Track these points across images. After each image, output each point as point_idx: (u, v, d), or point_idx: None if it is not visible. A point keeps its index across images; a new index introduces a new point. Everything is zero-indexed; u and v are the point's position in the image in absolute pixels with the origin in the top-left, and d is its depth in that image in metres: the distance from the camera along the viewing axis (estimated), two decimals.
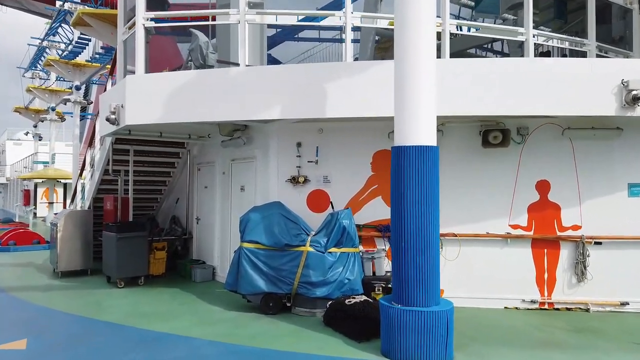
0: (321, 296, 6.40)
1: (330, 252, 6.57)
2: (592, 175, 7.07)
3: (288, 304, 6.69)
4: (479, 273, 7.15)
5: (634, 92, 6.14)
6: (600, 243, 6.99)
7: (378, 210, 7.28)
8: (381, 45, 11.11)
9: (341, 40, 7.28)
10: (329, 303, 6.21)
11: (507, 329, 6.07)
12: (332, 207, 7.36)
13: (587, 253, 6.96)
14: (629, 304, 6.87)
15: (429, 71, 5.03)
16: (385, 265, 7.02)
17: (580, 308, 6.99)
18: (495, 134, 6.92)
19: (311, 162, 7.53)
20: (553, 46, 8.91)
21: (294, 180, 7.54)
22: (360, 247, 6.98)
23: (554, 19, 9.47)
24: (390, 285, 6.20)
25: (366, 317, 5.63)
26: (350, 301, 6.01)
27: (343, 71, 6.64)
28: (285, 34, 12.91)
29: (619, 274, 6.96)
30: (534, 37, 7.29)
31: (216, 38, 9.10)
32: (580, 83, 6.33)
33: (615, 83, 6.29)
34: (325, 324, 6.10)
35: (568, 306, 7.02)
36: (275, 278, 6.61)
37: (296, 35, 13.14)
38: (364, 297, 6.17)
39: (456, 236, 7.13)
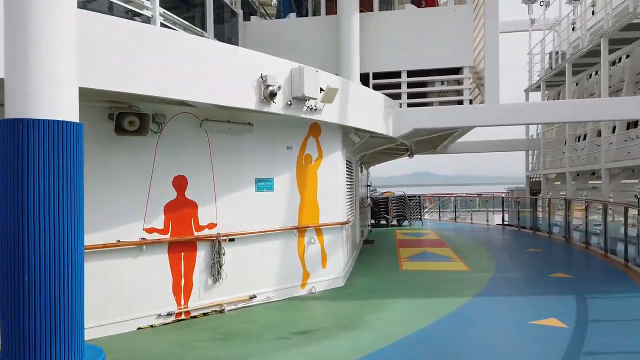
0: None
1: None
2: (227, 170, 6.84)
3: None
4: (109, 292, 5.68)
5: (270, 88, 6.21)
6: (233, 240, 6.84)
7: None
8: None
9: None
10: None
11: (150, 358, 4.95)
12: None
13: (223, 252, 6.67)
14: (256, 297, 7.02)
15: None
16: None
17: (215, 310, 6.62)
18: (132, 118, 5.61)
19: None
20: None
21: None
22: None
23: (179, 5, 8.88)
24: None
25: None
26: None
27: None
28: None
29: (249, 269, 7.03)
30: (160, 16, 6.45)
31: None
32: (223, 70, 5.89)
33: (255, 76, 6.20)
34: None
35: (205, 311, 6.53)
36: None
37: None
38: None
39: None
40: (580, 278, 8.66)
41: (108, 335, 5.54)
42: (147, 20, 6.56)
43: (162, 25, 6.75)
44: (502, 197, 20.25)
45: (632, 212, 9.57)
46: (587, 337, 5.28)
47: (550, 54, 17.92)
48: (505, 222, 19.59)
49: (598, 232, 12.55)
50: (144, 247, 5.98)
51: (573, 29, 18.75)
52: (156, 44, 5.21)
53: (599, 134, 14.85)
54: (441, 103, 10.64)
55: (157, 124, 6.09)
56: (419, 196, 22.08)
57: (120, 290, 5.78)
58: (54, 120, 3.22)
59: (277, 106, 6.49)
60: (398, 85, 10.64)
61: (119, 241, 5.76)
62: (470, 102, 10.48)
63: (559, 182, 18.36)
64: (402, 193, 21.64)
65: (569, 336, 5.30)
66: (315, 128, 7.96)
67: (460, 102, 10.50)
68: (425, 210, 24.88)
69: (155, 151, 6.12)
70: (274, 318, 6.35)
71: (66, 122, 3.28)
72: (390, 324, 5.94)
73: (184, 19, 7.84)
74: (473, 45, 10.54)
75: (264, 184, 7.28)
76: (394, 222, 20.44)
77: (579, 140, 16.27)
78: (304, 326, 5.92)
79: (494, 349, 5.07)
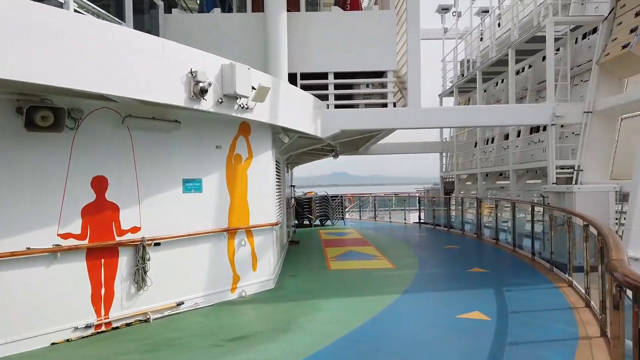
0: None
1: None
2: (151, 170, 6.43)
3: None
4: (18, 305, 5.11)
5: (201, 84, 5.93)
6: (159, 244, 6.45)
7: None
8: None
9: None
10: None
11: None
12: None
13: (148, 257, 6.26)
14: (183, 303, 6.68)
15: None
16: None
17: (140, 320, 6.20)
18: (45, 113, 5.08)
19: None
20: None
21: None
22: None
23: None
24: None
25: None
26: None
27: None
28: None
29: (176, 274, 6.67)
30: None
31: None
32: (149, 63, 5.53)
33: (184, 72, 5.89)
34: None
35: (128, 321, 6.09)
36: None
37: None
38: None
39: None
40: (495, 272, 9.25)
41: (18, 353, 4.98)
42: (60, 6, 5.99)
43: (75, 12, 6.20)
44: (418, 197, 21.18)
45: (538, 209, 10.40)
46: (509, 328, 5.63)
47: (462, 61, 19.04)
48: (421, 221, 20.51)
49: (506, 228, 13.54)
50: (59, 254, 5.43)
51: (481, 39, 20.13)
52: (71, 30, 4.74)
53: (506, 137, 16.04)
54: (367, 105, 10.87)
55: (74, 119, 5.58)
56: (341, 196, 22.44)
57: (30, 303, 5.22)
58: None
59: (207, 104, 6.22)
60: (325, 87, 10.71)
61: (29, 248, 5.19)
62: (394, 105, 10.81)
63: (470, 182, 19.57)
64: (325, 193, 21.87)
65: (493, 328, 5.61)
66: (245, 127, 7.75)
67: (384, 105, 10.79)
68: (346, 209, 25.38)
69: (72, 149, 5.60)
70: (204, 325, 6.07)
71: None
72: (325, 325, 5.92)
73: (99, 7, 7.27)
74: (396, 50, 10.88)
75: (191, 185, 6.95)
76: (317, 222, 20.61)
77: (487, 143, 17.42)
78: (238, 332, 5.73)
79: (428, 343, 5.23)
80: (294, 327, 5.80)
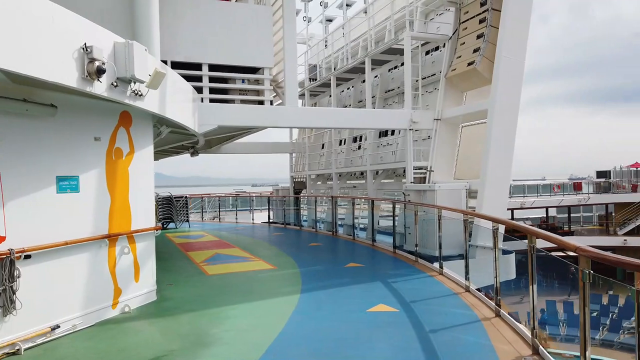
0: None
1: None
2: (19, 165, 5.16)
3: None
4: None
5: (97, 63, 4.96)
6: (29, 257, 5.20)
7: None
8: None
9: None
10: None
11: None
12: None
13: (17, 273, 5.00)
14: (59, 327, 5.51)
15: None
16: None
17: (8, 353, 4.92)
18: None
19: None
20: None
21: None
22: None
23: None
24: None
25: None
26: None
27: None
28: None
29: (50, 293, 5.47)
30: None
31: None
32: (37, 31, 4.41)
33: (76, 46, 4.85)
34: None
35: None
36: None
37: None
38: None
39: None
40: (370, 266, 9.81)
41: None
42: None
43: None
44: (268, 197, 21.31)
45: (399, 206, 11.37)
46: (419, 317, 5.99)
47: (314, 66, 19.77)
48: (271, 220, 20.65)
49: (363, 226, 14.49)
50: None
51: (325, 46, 21.23)
52: None
53: (355, 140, 17.19)
54: (242, 102, 10.49)
55: None
56: (186, 197, 21.26)
57: None
58: None
59: (101, 86, 5.24)
60: (198, 79, 10.00)
61: None
62: (271, 103, 10.66)
63: (320, 182, 20.42)
64: (169, 194, 20.45)
65: (406, 318, 5.92)
66: (126, 117, 6.76)
67: (260, 102, 10.56)
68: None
69: None
70: (98, 350, 5.10)
71: None
72: (245, 333, 5.51)
73: None
74: (273, 47, 10.74)
75: (67, 184, 5.78)
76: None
77: (340, 144, 18.38)
78: (148, 353, 4.95)
79: (361, 338, 5.23)
80: (212, 340, 5.25)
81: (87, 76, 4.93)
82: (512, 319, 5.64)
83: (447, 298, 6.96)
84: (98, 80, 5.09)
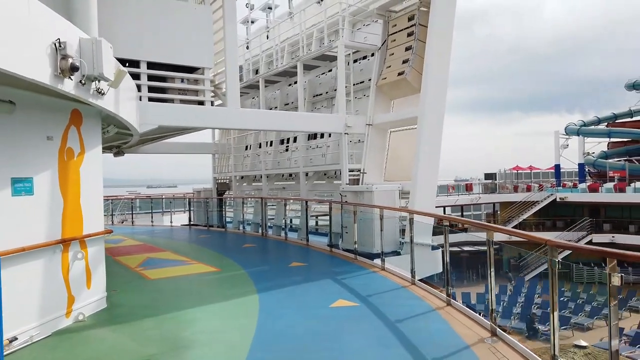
0: None
1: None
2: None
3: None
4: None
5: (71, 60, 4.74)
6: None
7: None
8: None
9: None
10: None
11: None
12: None
13: None
14: (17, 339, 5.14)
15: None
16: None
17: None
18: None
19: None
20: None
21: None
22: None
23: None
24: None
25: None
26: None
27: None
28: None
29: (6, 303, 5.06)
30: None
31: None
32: (11, 22, 4.14)
33: (49, 41, 4.60)
34: None
35: None
36: None
37: None
38: None
39: None
40: (312, 264, 10.13)
41: None
42: None
43: None
44: (189, 199, 20.74)
45: (331, 206, 11.82)
46: (380, 309, 6.43)
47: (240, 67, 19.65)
48: (191, 222, 20.13)
49: (292, 226, 14.77)
50: None
51: (247, 47, 21.23)
52: None
53: (282, 142, 17.42)
54: (182, 101, 10.27)
55: None
56: None
57: None
58: None
59: (70, 84, 5.00)
60: (136, 76, 9.61)
61: None
62: (212, 104, 10.55)
63: (246, 183, 20.31)
64: None
65: (369, 311, 6.33)
66: (77, 116, 6.42)
67: (200, 103, 10.41)
68: None
69: None
70: None
71: None
72: (220, 334, 5.55)
73: None
74: (213, 47, 10.64)
75: (22, 186, 5.40)
76: None
77: (268, 146, 18.44)
78: (129, 359, 4.82)
79: (335, 333, 5.51)
80: (189, 344, 5.24)
81: (59, 73, 4.69)
82: (463, 306, 6.29)
83: (397, 291, 7.51)
84: (69, 77, 4.86)
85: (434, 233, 10.75)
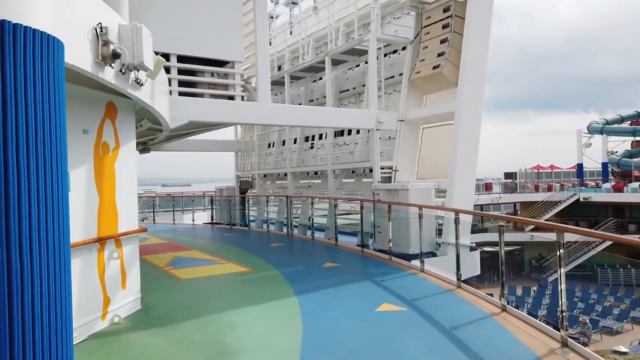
0: None
1: None
2: None
3: None
4: None
5: (112, 47, 4.44)
6: None
7: None
8: None
9: None
10: None
11: None
12: None
13: None
14: None
15: None
16: None
17: None
18: None
19: None
20: None
21: None
22: None
23: None
24: None
25: None
26: None
27: None
28: None
29: None
30: None
31: None
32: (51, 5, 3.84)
33: (89, 25, 4.30)
34: None
35: None
36: None
37: None
38: None
39: None
40: (346, 265, 9.75)
41: None
42: None
43: None
44: (212, 197, 20.54)
45: (362, 204, 11.44)
46: (430, 314, 6.04)
47: None
48: (214, 221, 19.92)
49: (318, 225, 14.39)
50: None
51: (270, 43, 20.91)
52: None
53: (307, 139, 17.06)
54: (212, 96, 9.97)
55: None
56: None
57: None
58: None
59: (110, 73, 4.70)
60: (166, 70, 9.33)
61: None
62: (242, 98, 10.24)
63: (269, 182, 20.01)
64: None
65: (419, 316, 5.95)
66: (112, 109, 6.16)
67: (231, 98, 10.10)
68: None
69: None
70: None
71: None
72: (265, 339, 5.22)
73: None
74: (243, 41, 10.32)
75: None
76: None
77: (294, 143, 18.10)
78: None
79: (389, 338, 5.15)
80: (236, 349, 4.92)
81: (101, 60, 4.39)
82: (523, 313, 5.86)
83: (444, 295, 7.09)
84: (110, 65, 4.55)
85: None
